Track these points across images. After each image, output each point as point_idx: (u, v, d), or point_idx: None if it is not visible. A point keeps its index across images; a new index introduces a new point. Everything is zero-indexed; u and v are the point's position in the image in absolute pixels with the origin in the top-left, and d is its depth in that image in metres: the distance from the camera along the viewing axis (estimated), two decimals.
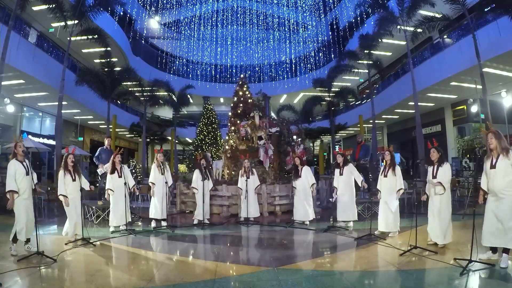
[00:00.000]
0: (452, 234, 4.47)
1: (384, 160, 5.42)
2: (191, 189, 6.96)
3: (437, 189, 4.36)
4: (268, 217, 7.47)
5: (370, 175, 8.74)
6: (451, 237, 4.44)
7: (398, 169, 5.23)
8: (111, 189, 5.72)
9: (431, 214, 4.51)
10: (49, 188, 9.70)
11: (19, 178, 4.23)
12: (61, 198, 4.90)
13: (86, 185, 5.25)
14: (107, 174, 5.91)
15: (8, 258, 4.02)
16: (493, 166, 3.66)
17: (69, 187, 4.99)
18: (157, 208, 6.24)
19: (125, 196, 5.80)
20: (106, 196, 5.87)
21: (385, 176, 5.25)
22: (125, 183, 5.77)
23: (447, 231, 4.39)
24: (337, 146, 26.64)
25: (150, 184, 6.34)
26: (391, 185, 5.19)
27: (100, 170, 7.35)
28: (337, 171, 6.20)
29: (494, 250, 3.75)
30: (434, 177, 4.44)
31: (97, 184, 7.46)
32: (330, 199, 6.43)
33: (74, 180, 5.03)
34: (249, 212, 6.81)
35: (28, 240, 4.36)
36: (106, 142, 7.73)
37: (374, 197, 6.12)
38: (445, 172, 4.38)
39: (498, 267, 3.50)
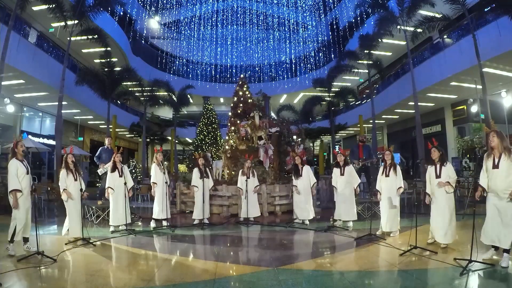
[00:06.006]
0: (455, 233, 4.47)
1: (384, 160, 5.44)
2: (191, 189, 6.96)
3: (447, 188, 4.39)
4: (268, 217, 7.47)
5: (371, 176, 8.75)
6: (454, 236, 4.44)
7: (399, 168, 5.32)
8: (111, 188, 5.72)
9: (436, 214, 4.51)
10: (49, 188, 9.68)
11: (20, 177, 4.20)
12: (64, 193, 4.90)
13: (83, 186, 5.20)
14: (108, 173, 5.90)
15: (8, 258, 4.01)
16: (495, 166, 3.67)
17: (70, 187, 4.98)
18: (160, 207, 6.23)
19: (125, 196, 5.80)
20: (106, 195, 5.86)
21: (387, 175, 5.29)
22: (125, 183, 5.79)
23: (450, 230, 4.39)
24: (337, 146, 26.61)
25: (152, 184, 6.32)
26: (393, 185, 5.25)
27: (100, 171, 7.35)
28: (337, 170, 6.21)
29: (496, 248, 3.75)
30: (438, 176, 4.46)
31: (97, 185, 7.46)
32: (335, 201, 6.41)
33: (76, 179, 5.04)
34: (249, 212, 6.80)
35: (26, 240, 4.33)
36: (106, 141, 7.75)
37: (375, 197, 6.12)
38: (451, 172, 4.45)
39: (498, 267, 3.50)
